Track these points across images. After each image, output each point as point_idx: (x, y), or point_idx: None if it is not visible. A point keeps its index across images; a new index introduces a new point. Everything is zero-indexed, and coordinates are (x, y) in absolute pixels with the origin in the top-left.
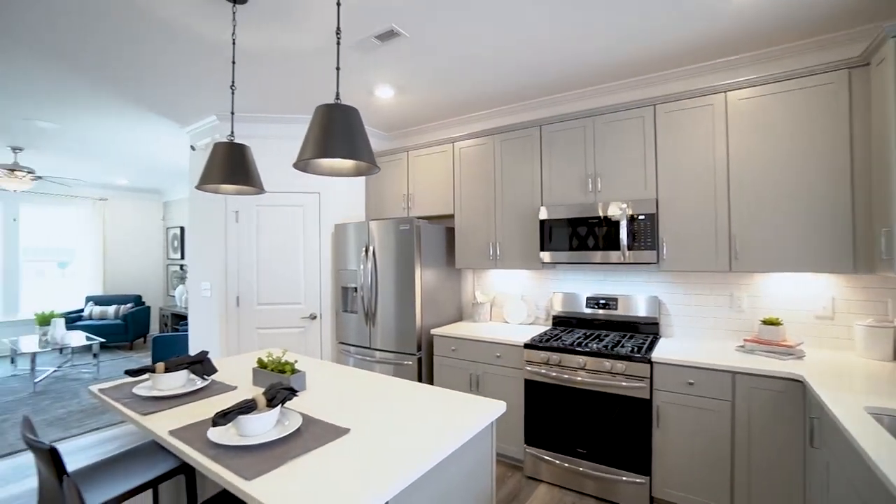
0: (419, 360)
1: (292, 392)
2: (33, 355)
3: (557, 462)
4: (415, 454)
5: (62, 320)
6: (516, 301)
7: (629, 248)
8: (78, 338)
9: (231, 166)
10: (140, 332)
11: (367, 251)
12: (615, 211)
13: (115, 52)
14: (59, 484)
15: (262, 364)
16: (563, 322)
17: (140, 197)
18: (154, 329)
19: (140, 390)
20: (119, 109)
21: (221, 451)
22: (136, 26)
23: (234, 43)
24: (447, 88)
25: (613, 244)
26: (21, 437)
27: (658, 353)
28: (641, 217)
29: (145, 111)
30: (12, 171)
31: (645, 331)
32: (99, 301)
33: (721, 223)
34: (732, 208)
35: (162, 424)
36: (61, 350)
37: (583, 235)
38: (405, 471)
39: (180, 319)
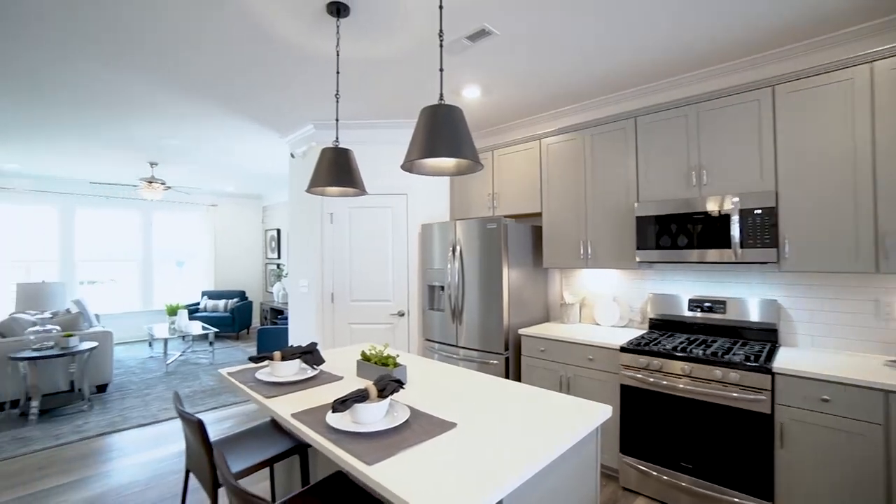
0: (506, 359)
1: (400, 384)
2: (165, 341)
3: (657, 475)
4: (523, 453)
5: (185, 311)
6: (608, 302)
7: (742, 246)
8: (196, 327)
9: (336, 170)
10: (244, 323)
11: (453, 250)
12: (724, 205)
13: (230, 73)
14: (203, 449)
15: (365, 357)
16: (661, 326)
17: (243, 202)
18: (256, 322)
19: (261, 375)
20: (231, 124)
21: (340, 436)
22: (252, 48)
23: (337, 54)
24: (534, 84)
25: (721, 242)
26: (175, 409)
27: (781, 364)
28: (757, 211)
29: (252, 124)
30: (150, 182)
31: (759, 338)
32: (211, 296)
33: (864, 218)
34: (880, 200)
35: (283, 408)
36: (183, 337)
37: (684, 232)
38: (516, 469)
39: (278, 314)
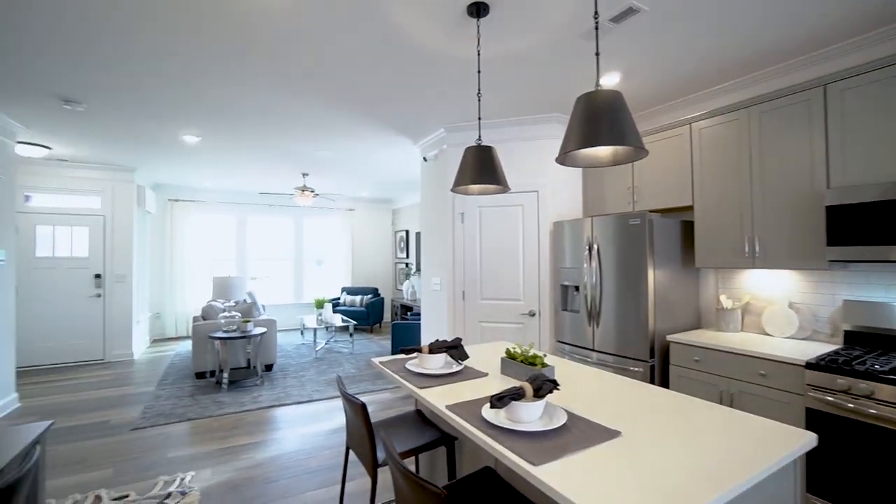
0: (651, 367)
1: (555, 385)
2: (314, 331)
3: None
4: (704, 477)
5: (330, 305)
6: (782, 309)
7: None
8: (338, 319)
9: (480, 167)
10: (377, 318)
11: (589, 249)
12: None
13: (372, 86)
14: (365, 430)
15: (510, 355)
16: (863, 340)
17: (375, 206)
18: (387, 316)
19: (411, 366)
20: (370, 134)
21: (497, 432)
22: (394, 59)
23: (478, 53)
24: (683, 62)
25: None
26: (338, 391)
27: None
28: None
29: (389, 132)
30: (303, 190)
31: None
32: (349, 291)
33: None
34: None
35: (437, 399)
36: (327, 328)
37: None
38: (700, 495)
39: (408, 310)
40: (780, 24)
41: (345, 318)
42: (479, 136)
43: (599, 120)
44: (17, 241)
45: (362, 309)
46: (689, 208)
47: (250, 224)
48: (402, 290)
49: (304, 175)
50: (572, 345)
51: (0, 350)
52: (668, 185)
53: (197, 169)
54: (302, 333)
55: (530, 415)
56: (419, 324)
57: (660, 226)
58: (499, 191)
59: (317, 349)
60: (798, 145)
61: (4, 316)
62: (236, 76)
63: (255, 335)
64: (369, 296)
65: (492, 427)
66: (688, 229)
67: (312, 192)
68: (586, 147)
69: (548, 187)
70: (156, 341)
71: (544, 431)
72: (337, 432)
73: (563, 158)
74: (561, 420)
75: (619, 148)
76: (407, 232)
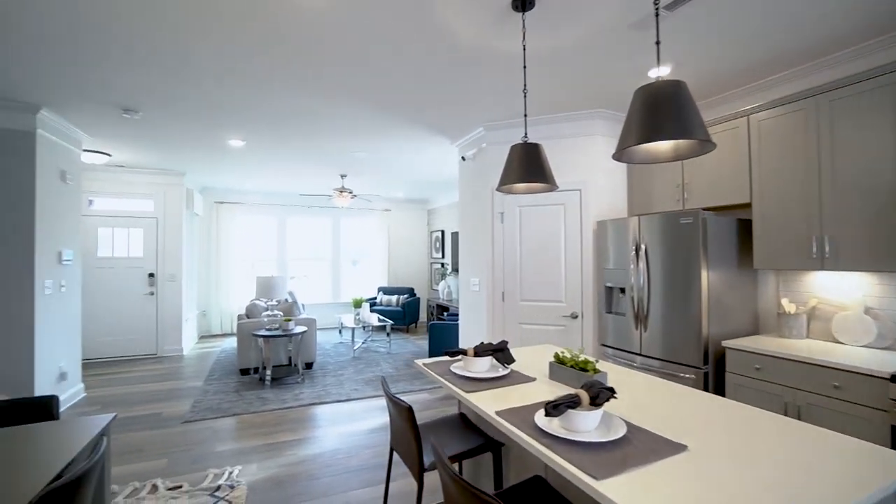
0: (705, 374)
1: (612, 393)
2: (353, 330)
3: None
4: (787, 501)
5: (367, 304)
6: (856, 315)
7: None
8: (375, 319)
9: (527, 165)
10: (413, 318)
11: (637, 249)
12: None
13: (413, 87)
14: (411, 434)
15: (559, 359)
16: None
17: (411, 207)
18: (423, 316)
19: (456, 369)
20: (408, 134)
21: (552, 441)
22: (434, 58)
23: (524, 48)
24: (738, 51)
25: None
26: (377, 391)
27: None
28: None
29: (426, 133)
30: (341, 192)
31: None
32: (385, 291)
33: None
34: None
35: (485, 404)
36: (364, 327)
37: None
38: None
39: (443, 310)
40: (850, 5)
41: (381, 317)
42: (525, 133)
43: (662, 112)
44: (83, 242)
45: (398, 309)
46: (747, 206)
47: (290, 225)
48: (437, 291)
49: (343, 176)
50: (617, 349)
51: (69, 344)
52: (723, 181)
53: (241, 172)
54: (340, 332)
55: (587, 424)
56: (457, 324)
57: (714, 224)
58: (546, 189)
59: (354, 348)
60: (879, 135)
61: (73, 312)
62: (279, 80)
63: (297, 334)
64: (405, 296)
65: (546, 436)
66: (744, 228)
67: (350, 193)
68: (648, 142)
69: (591, 186)
70: (203, 338)
71: (603, 443)
72: (376, 432)
73: (620, 155)
74: (620, 431)
75: (682, 142)
76: (442, 232)
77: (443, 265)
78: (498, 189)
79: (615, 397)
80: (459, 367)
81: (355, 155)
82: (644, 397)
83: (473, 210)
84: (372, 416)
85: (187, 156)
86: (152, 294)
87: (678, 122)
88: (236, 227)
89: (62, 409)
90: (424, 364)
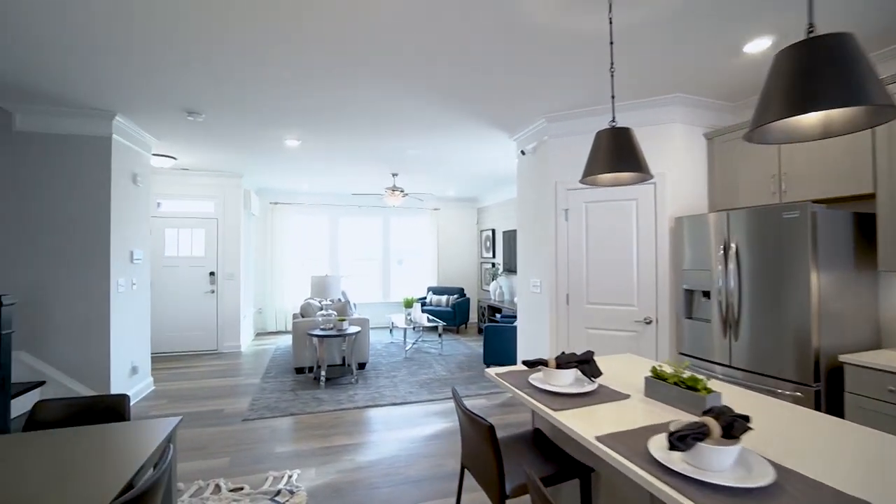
0: (816, 393)
1: (747, 423)
2: (405, 331)
3: None
4: None
5: (419, 304)
6: None
7: None
8: (425, 319)
9: (617, 153)
10: (463, 319)
11: (725, 248)
12: None
13: (475, 77)
14: (491, 455)
15: (658, 374)
16: None
17: (461, 205)
18: (472, 318)
19: (535, 381)
20: (464, 128)
21: (679, 482)
22: (501, 45)
23: (610, 21)
24: (854, 19)
25: None
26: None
27: None
28: None
29: (484, 127)
30: (392, 190)
31: None
32: (435, 291)
33: None
34: None
35: (579, 425)
36: (413, 328)
37: None
38: None
39: (495, 311)
40: None
41: (432, 317)
42: (613, 118)
43: (820, 73)
44: (151, 242)
45: (448, 309)
46: (868, 197)
47: (342, 225)
48: (488, 291)
49: (394, 175)
50: (699, 358)
51: (140, 340)
52: (835, 168)
53: (295, 173)
54: (391, 332)
55: (722, 462)
56: (513, 328)
57: (825, 219)
58: (637, 179)
59: (406, 349)
60: None
61: (143, 309)
62: (336, 74)
63: (350, 334)
64: (455, 296)
65: (668, 473)
66: (865, 223)
67: (402, 191)
68: (801, 113)
69: (667, 179)
70: (259, 335)
71: (749, 489)
72: (433, 440)
73: (752, 135)
74: (767, 475)
75: (834, 114)
76: (493, 231)
77: (493, 265)
78: (581, 181)
79: (751, 428)
80: (539, 379)
81: (408, 153)
82: (776, 425)
83: (533, 207)
84: (429, 422)
85: (245, 157)
86: (213, 292)
87: (846, 84)
88: (290, 227)
89: (134, 402)
90: (498, 374)
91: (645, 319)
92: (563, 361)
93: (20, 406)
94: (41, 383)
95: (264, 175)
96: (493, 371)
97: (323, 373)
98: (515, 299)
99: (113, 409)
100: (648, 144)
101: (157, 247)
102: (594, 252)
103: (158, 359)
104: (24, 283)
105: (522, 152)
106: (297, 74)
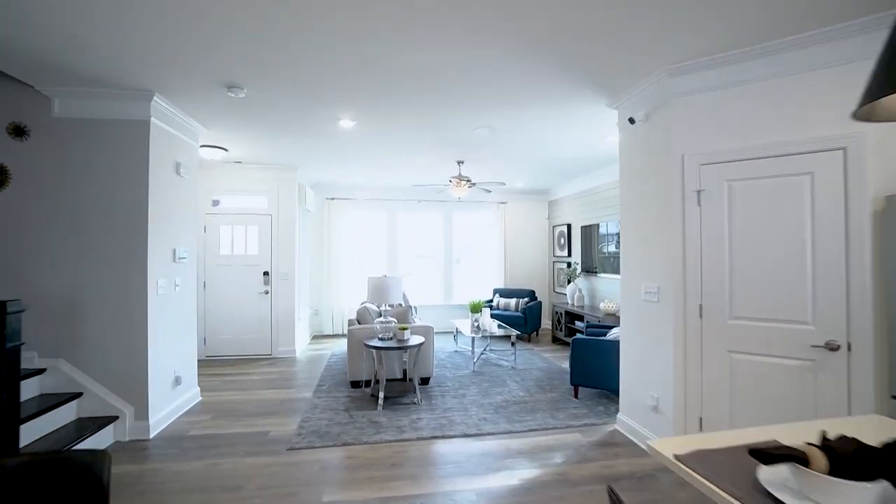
0: None
1: None
2: (473, 339)
3: None
4: None
5: (488, 310)
6: None
7: None
8: (495, 327)
9: None
10: (535, 325)
11: None
12: None
13: (571, 12)
14: None
15: None
16: None
17: (530, 198)
18: (544, 323)
19: (775, 489)
20: (549, 94)
21: None
22: None
23: None
24: None
25: None
26: (509, 425)
27: None
28: None
29: (575, 89)
30: (458, 180)
31: None
32: (502, 293)
33: None
34: None
35: None
36: (482, 335)
37: None
38: None
39: (574, 318)
40: None
41: (501, 324)
42: None
43: None
44: (206, 239)
45: (518, 314)
46: None
47: (400, 221)
48: (563, 294)
49: (460, 163)
50: None
51: (185, 345)
52: None
53: (352, 163)
54: (455, 339)
55: None
56: (612, 343)
57: None
58: None
59: (474, 360)
60: None
61: (188, 313)
62: (397, 30)
63: (413, 346)
64: (525, 299)
65: None
66: None
67: (468, 181)
68: None
69: (866, 139)
70: (315, 338)
71: None
72: (523, 494)
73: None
74: None
75: None
76: (569, 226)
77: (569, 264)
78: (856, 111)
79: None
80: (778, 485)
81: (476, 133)
82: None
83: (646, 189)
84: (514, 466)
85: (298, 144)
86: (267, 293)
87: None
88: (347, 224)
89: (176, 416)
90: (680, 458)
91: (828, 345)
92: (843, 454)
93: (57, 419)
94: (77, 395)
95: (319, 167)
96: (663, 447)
97: (381, 394)
98: (603, 305)
99: (85, 471)
100: (831, 95)
101: (212, 245)
102: (742, 248)
103: (211, 363)
104: (64, 283)
105: (631, 120)
106: (351, 35)
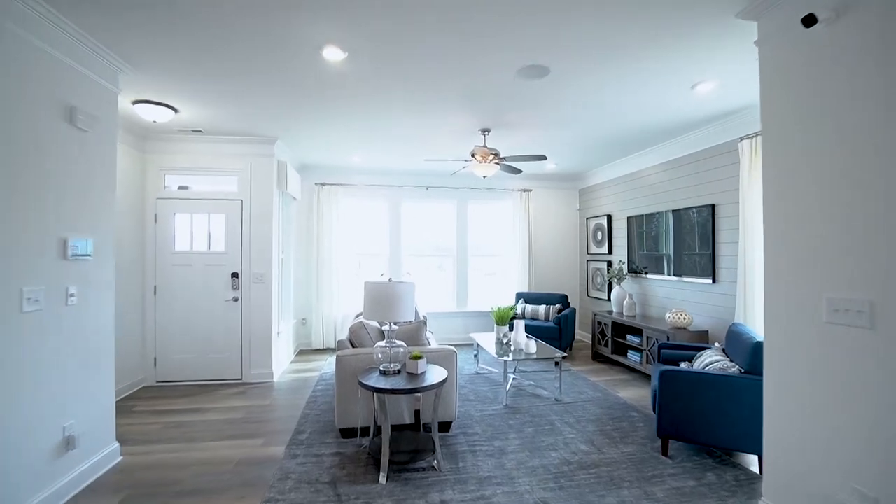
0: None
1: None
2: (504, 363)
3: None
4: None
5: (522, 323)
6: None
7: None
8: (532, 346)
9: None
10: (570, 338)
11: None
12: None
13: None
14: None
15: None
16: None
17: (558, 185)
18: (579, 335)
19: None
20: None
21: None
22: None
23: None
24: None
25: None
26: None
27: None
28: None
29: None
30: (484, 154)
31: None
32: (528, 299)
33: None
34: None
35: None
36: (513, 358)
37: None
38: None
39: (625, 331)
40: None
41: (538, 340)
42: None
43: None
44: (155, 231)
45: (551, 324)
46: None
47: (405, 211)
48: (601, 299)
49: (485, 133)
50: None
51: (91, 386)
52: None
53: (344, 130)
54: (475, 357)
55: None
56: (731, 380)
57: None
58: None
59: (506, 389)
60: None
61: (101, 335)
62: None
63: (431, 387)
64: (557, 305)
65: None
66: None
67: (497, 155)
68: None
69: None
70: (302, 353)
71: None
72: None
73: None
74: None
75: None
76: (609, 217)
77: (610, 264)
78: None
79: None
80: None
81: (516, 81)
82: None
83: (815, 141)
84: None
85: (269, 92)
86: (236, 300)
87: None
88: (341, 215)
89: (61, 502)
90: None
91: None
92: None
93: None
94: None
95: (304, 139)
96: None
97: (385, 455)
98: (669, 316)
99: None
100: None
101: (165, 239)
102: None
103: (160, 393)
104: None
105: (808, 20)
106: None
